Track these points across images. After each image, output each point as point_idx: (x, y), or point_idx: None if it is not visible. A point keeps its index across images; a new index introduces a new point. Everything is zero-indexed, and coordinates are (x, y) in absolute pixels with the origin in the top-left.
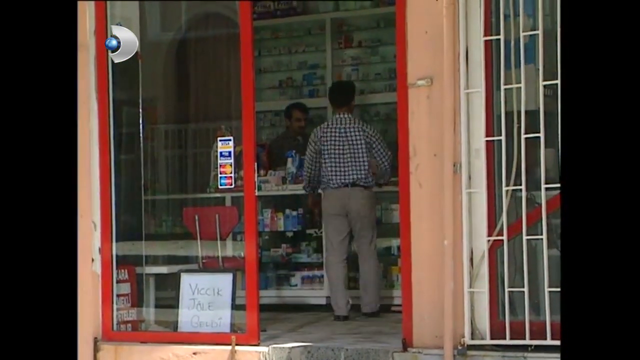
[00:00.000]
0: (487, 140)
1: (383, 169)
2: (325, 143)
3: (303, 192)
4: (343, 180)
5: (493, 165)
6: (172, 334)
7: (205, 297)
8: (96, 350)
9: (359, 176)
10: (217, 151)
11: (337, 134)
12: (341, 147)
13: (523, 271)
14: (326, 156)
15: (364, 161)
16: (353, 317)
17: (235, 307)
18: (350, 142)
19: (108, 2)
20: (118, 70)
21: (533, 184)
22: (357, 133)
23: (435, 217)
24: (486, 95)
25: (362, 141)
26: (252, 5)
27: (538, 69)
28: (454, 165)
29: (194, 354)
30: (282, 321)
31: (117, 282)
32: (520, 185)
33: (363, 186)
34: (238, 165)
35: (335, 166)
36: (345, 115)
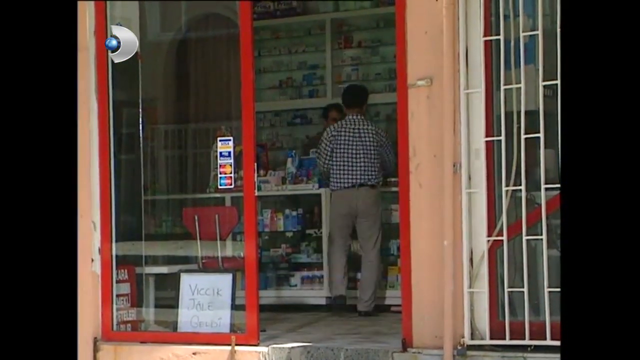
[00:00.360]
0: (487, 141)
1: (388, 164)
2: (338, 142)
3: (303, 192)
4: (353, 180)
5: (493, 165)
6: (171, 334)
7: (205, 297)
8: (96, 350)
9: (369, 176)
10: (217, 151)
11: (350, 134)
12: (354, 147)
13: (523, 271)
14: (338, 155)
15: (375, 161)
16: (350, 316)
17: (235, 307)
18: (363, 143)
19: (108, 3)
20: (118, 70)
21: (533, 184)
22: (369, 134)
23: (435, 217)
24: (486, 95)
25: (374, 142)
26: (252, 6)
27: (538, 69)
28: (454, 166)
29: (194, 354)
30: (282, 321)
31: (117, 282)
32: (520, 185)
33: (370, 185)
34: (238, 165)
35: (347, 166)
36: (357, 117)
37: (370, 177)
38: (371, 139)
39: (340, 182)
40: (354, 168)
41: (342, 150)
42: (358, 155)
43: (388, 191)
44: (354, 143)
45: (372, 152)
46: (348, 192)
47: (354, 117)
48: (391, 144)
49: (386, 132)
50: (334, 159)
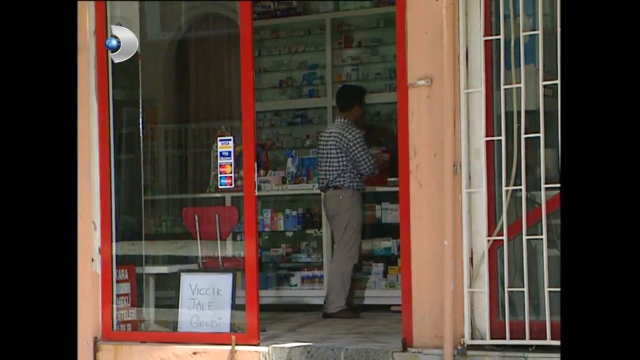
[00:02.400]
0: (487, 140)
1: (359, 168)
2: (318, 148)
3: (303, 192)
4: (321, 183)
5: (493, 165)
6: (172, 334)
7: (205, 297)
8: (96, 350)
9: (330, 178)
10: (217, 151)
11: (324, 140)
12: (323, 151)
13: (523, 271)
14: (318, 160)
15: (332, 163)
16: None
17: (235, 307)
18: (328, 147)
19: (108, 3)
20: (118, 70)
21: (533, 184)
22: (333, 137)
23: (435, 217)
24: (486, 95)
25: (335, 146)
26: (252, 5)
27: (538, 69)
28: (454, 165)
29: (194, 353)
30: (282, 321)
31: (117, 282)
32: (520, 185)
33: (333, 187)
34: (238, 165)
35: (319, 170)
36: (338, 120)
37: (331, 178)
38: (332, 143)
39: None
40: (321, 171)
41: (319, 155)
42: (324, 159)
43: (388, 191)
44: (323, 147)
45: (334, 155)
46: (324, 195)
47: (336, 121)
48: (363, 153)
49: (359, 138)
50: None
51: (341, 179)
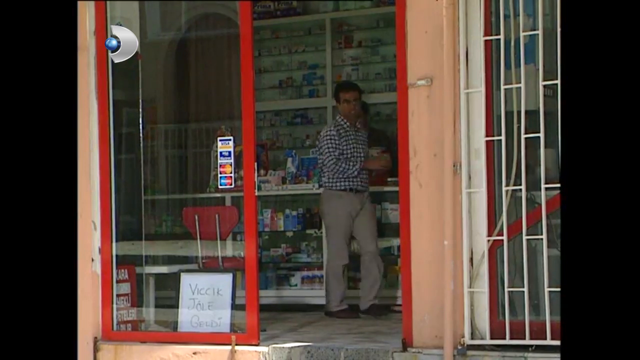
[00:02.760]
0: (487, 140)
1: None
2: None
3: (303, 192)
4: None
5: (493, 165)
6: (172, 334)
7: (205, 297)
8: (96, 350)
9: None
10: (217, 151)
11: None
12: None
13: (523, 271)
14: None
15: (320, 165)
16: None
17: (235, 307)
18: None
19: (108, 3)
20: (118, 70)
21: (533, 184)
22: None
23: (435, 217)
24: (486, 95)
25: (317, 143)
26: (252, 5)
27: (538, 69)
28: (454, 165)
29: (194, 353)
30: (282, 321)
31: (117, 282)
32: (520, 185)
33: (322, 187)
34: (238, 165)
35: None
36: None
37: (320, 178)
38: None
39: None
40: None
41: None
42: None
43: (388, 191)
44: None
45: (317, 155)
46: None
47: None
48: (325, 151)
49: (325, 138)
50: None
51: (322, 179)
